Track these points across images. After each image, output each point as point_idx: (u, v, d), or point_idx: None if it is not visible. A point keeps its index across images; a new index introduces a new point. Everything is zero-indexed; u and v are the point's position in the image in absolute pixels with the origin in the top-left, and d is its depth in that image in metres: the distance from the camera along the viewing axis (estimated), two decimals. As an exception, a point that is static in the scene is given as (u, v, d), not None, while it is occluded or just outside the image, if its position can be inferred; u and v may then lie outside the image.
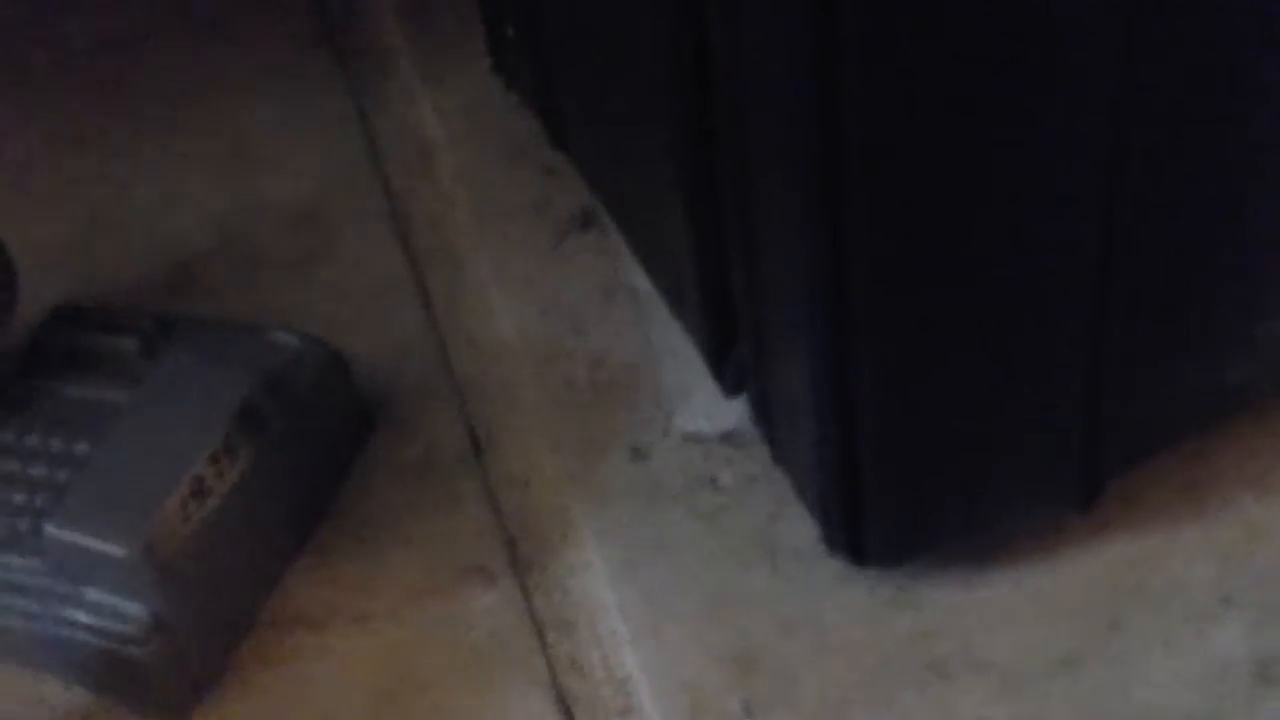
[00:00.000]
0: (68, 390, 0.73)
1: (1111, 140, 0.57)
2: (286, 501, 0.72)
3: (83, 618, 0.66)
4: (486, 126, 0.89)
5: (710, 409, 0.75)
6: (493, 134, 0.88)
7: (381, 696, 0.69)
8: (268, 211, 0.86)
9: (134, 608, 0.66)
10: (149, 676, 0.67)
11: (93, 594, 0.66)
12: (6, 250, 0.73)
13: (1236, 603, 0.67)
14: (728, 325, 0.69)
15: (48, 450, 0.70)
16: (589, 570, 0.72)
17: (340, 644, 0.70)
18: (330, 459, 0.75)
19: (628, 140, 0.74)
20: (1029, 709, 0.66)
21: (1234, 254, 0.65)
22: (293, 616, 0.71)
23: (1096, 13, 0.53)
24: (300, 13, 0.97)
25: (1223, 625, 0.66)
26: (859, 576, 0.69)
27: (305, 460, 0.72)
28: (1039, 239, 0.59)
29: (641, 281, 0.80)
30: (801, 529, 0.70)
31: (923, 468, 0.65)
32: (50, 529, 0.66)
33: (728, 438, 0.75)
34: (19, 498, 0.69)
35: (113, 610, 0.66)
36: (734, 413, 0.74)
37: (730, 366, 0.71)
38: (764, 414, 0.70)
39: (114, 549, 0.65)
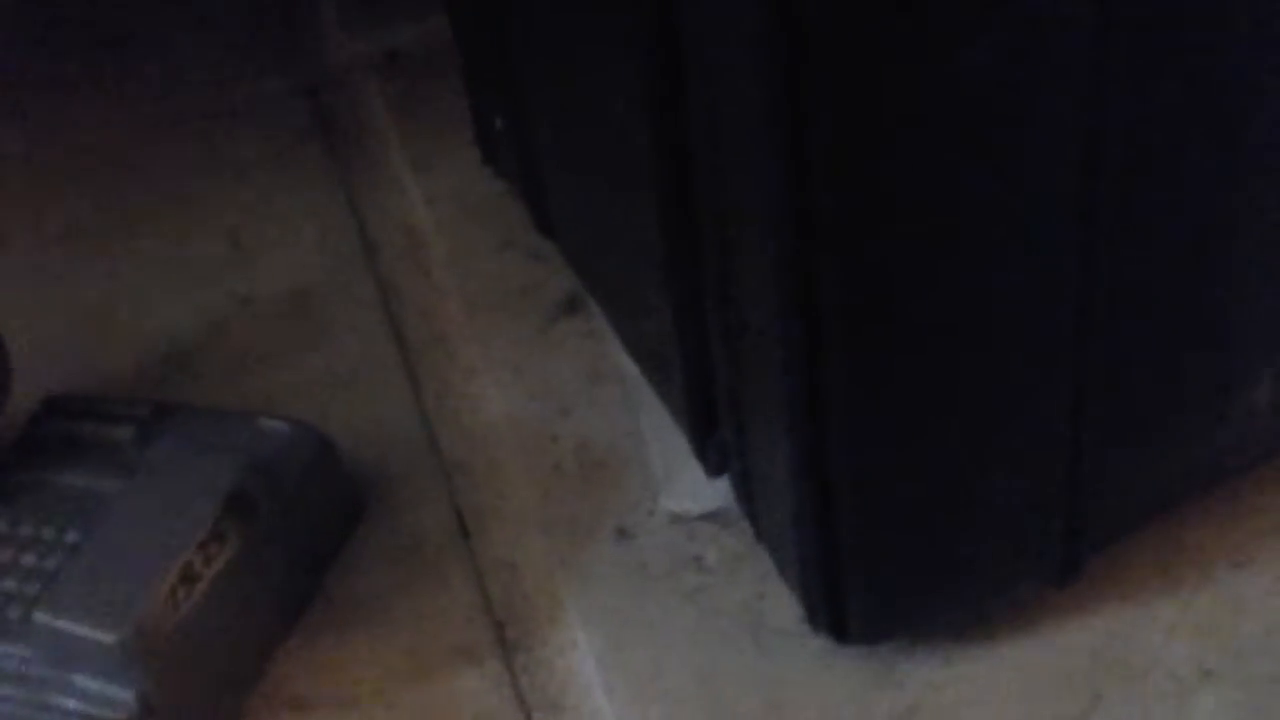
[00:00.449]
0: (61, 479, 0.74)
1: (1082, 216, 0.58)
2: (275, 586, 0.72)
3: (72, 704, 0.67)
4: (475, 213, 0.90)
5: (695, 489, 0.76)
6: (481, 221, 0.90)
7: (370, 779, 0.70)
8: (259, 300, 0.88)
9: (123, 694, 0.66)
10: (139, 762, 0.67)
11: (82, 680, 0.67)
12: (2, 342, 0.74)
13: (1217, 676, 0.67)
14: (710, 407, 0.70)
15: (40, 539, 0.71)
16: (575, 651, 0.72)
17: (329, 727, 0.71)
18: (319, 543, 0.75)
19: (612, 227, 0.75)
20: (1013, 784, 0.66)
21: (1209, 327, 0.65)
22: (281, 699, 0.71)
23: (1063, 86, 0.55)
24: (290, 103, 0.98)
25: (1204, 699, 0.67)
26: (843, 654, 0.69)
27: (294, 545, 0.73)
28: (1013, 319, 0.60)
29: (627, 365, 0.81)
30: (786, 607, 0.71)
31: (903, 547, 0.65)
32: (39, 616, 0.67)
33: (713, 517, 0.75)
34: (10, 585, 0.70)
35: (102, 697, 0.67)
36: (719, 492, 0.75)
37: (713, 447, 0.72)
38: (746, 494, 0.71)
39: (102, 635, 0.65)
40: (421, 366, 0.84)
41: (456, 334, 0.85)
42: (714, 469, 0.73)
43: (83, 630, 0.66)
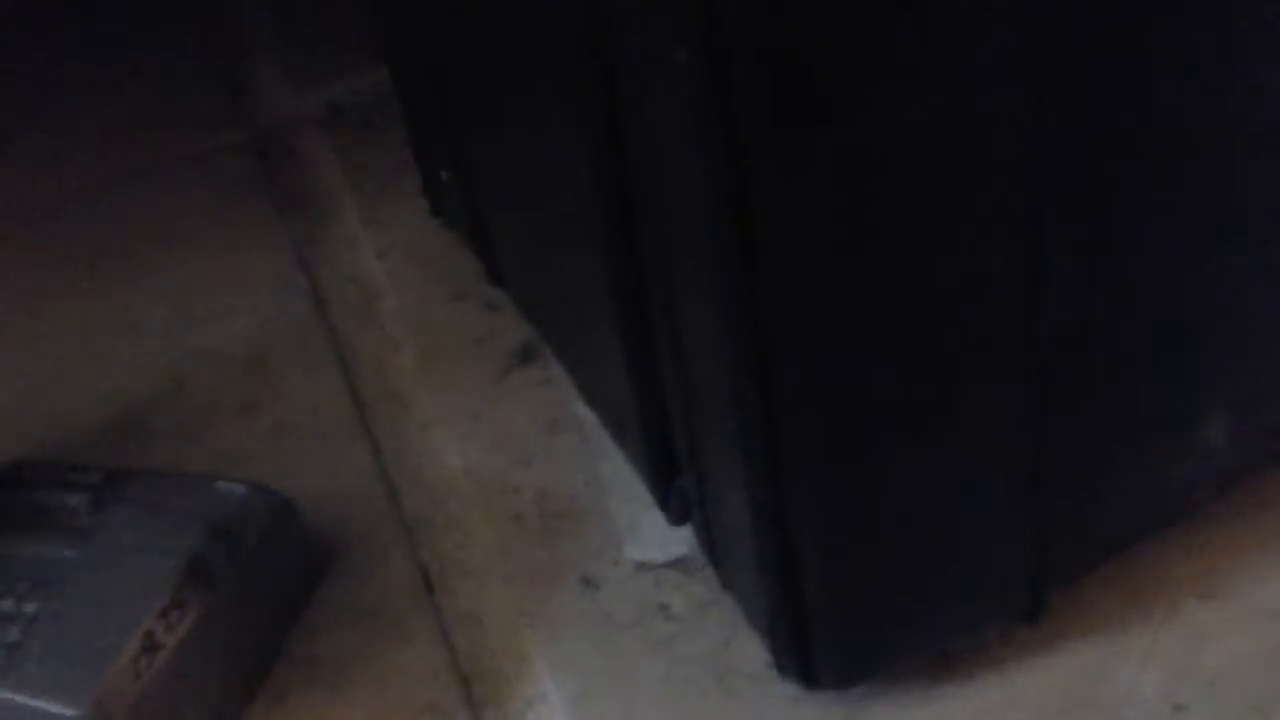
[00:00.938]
0: (15, 549, 0.72)
1: (1034, 262, 0.58)
2: (238, 650, 0.71)
3: (37, 780, 0.66)
4: (426, 265, 0.90)
5: (660, 537, 0.76)
6: (433, 272, 0.90)
7: (340, 844, 0.69)
8: (212, 360, 0.87)
9: (87, 768, 0.66)
10: (104, 836, 0.66)
11: (44, 756, 0.66)
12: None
13: (1189, 709, 0.67)
14: (670, 456, 0.70)
15: (-3, 611, 0.70)
16: (544, 703, 0.71)
17: (297, 792, 0.70)
18: (281, 605, 0.74)
19: (562, 278, 0.75)
20: (988, 825, 0.66)
21: (1166, 364, 0.66)
22: (248, 767, 0.71)
23: (1008, 118, 0.55)
24: (235, 159, 0.98)
25: (1176, 731, 0.67)
26: (812, 698, 0.69)
27: (256, 608, 0.72)
28: (971, 362, 0.60)
29: (585, 412, 0.81)
30: (754, 653, 0.71)
31: (867, 591, 0.65)
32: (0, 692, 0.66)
33: (678, 564, 0.75)
34: (-32, 660, 0.69)
35: (66, 771, 0.66)
36: (683, 539, 0.75)
37: (674, 496, 0.72)
38: (709, 542, 0.71)
39: (65, 710, 0.64)
40: (377, 421, 0.84)
41: (412, 387, 0.85)
42: (676, 517, 0.73)
43: (43, 704, 0.65)
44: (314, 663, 0.74)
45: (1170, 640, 0.69)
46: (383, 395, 0.85)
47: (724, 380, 0.60)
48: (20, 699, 0.65)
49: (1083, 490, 0.66)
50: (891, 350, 0.59)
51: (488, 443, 0.82)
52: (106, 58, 1.05)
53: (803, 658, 0.67)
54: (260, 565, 0.72)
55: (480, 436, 0.82)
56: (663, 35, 0.53)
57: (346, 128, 0.99)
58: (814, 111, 0.52)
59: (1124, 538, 0.70)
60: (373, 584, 0.76)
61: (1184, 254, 0.63)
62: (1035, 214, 0.57)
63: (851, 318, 0.57)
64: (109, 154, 0.99)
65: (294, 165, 0.98)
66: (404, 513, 0.79)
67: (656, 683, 0.71)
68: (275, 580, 0.74)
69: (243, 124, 1.01)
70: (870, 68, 0.52)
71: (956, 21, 0.52)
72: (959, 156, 0.55)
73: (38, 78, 1.04)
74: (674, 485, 0.71)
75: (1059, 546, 0.67)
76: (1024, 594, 0.67)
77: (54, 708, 0.65)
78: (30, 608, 0.70)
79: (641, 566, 0.75)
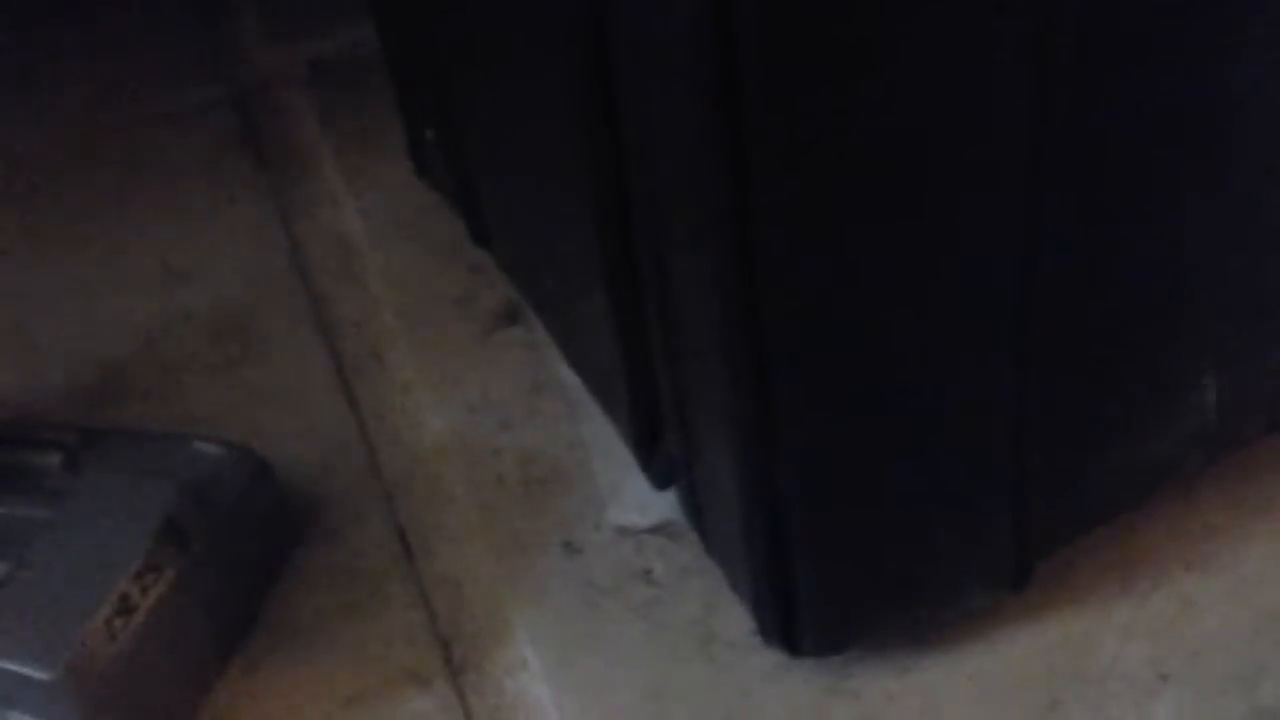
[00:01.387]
0: (-11, 509, 0.72)
1: (1027, 218, 0.58)
2: (214, 613, 0.71)
3: (7, 743, 0.65)
4: (409, 225, 0.89)
5: (642, 501, 0.75)
6: (416, 232, 0.88)
7: (317, 809, 0.68)
8: (190, 318, 0.86)
9: (60, 730, 0.65)
10: (77, 800, 0.65)
11: (17, 718, 0.65)
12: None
13: (1174, 678, 0.67)
14: (654, 419, 0.69)
15: (-31, 572, 0.69)
16: (524, 669, 0.71)
17: (273, 757, 0.69)
18: (258, 567, 0.74)
19: (550, 238, 0.74)
20: (971, 794, 0.65)
21: (1155, 330, 0.65)
22: (224, 730, 0.70)
23: (1010, 84, 0.54)
24: (218, 115, 0.97)
25: (1162, 702, 0.66)
26: (796, 666, 0.69)
27: (232, 570, 0.71)
28: (957, 327, 0.59)
29: (569, 375, 0.80)
30: (737, 619, 0.70)
31: (854, 557, 0.65)
32: (-29, 654, 0.65)
33: (660, 530, 0.74)
34: (-60, 621, 0.68)
35: (39, 734, 0.65)
36: (666, 504, 0.74)
37: (658, 460, 0.71)
38: (694, 507, 0.70)
39: (37, 672, 0.64)
40: (358, 382, 0.83)
41: (393, 348, 0.84)
42: (660, 482, 0.72)
43: (17, 667, 0.64)
44: (291, 626, 0.73)
45: (1156, 610, 0.69)
46: (363, 356, 0.84)
47: (714, 340, 0.59)
48: (-7, 661, 0.65)
49: (1069, 459, 0.66)
50: (882, 313, 0.58)
51: (469, 405, 0.81)
52: (85, 13, 1.04)
53: (786, 624, 0.66)
54: (237, 527, 0.71)
55: (462, 398, 0.81)
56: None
57: (330, 85, 0.98)
58: (814, 57, 0.51)
59: (1110, 507, 0.70)
60: (351, 547, 0.76)
61: (1176, 220, 0.62)
62: (1032, 175, 0.56)
63: (844, 277, 0.56)
64: (87, 110, 0.98)
65: (276, 123, 0.96)
66: (383, 475, 0.78)
67: (637, 649, 0.71)
68: (252, 542, 0.73)
69: (223, 80, 0.99)
70: (871, 12, 0.51)
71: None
72: (956, 111, 0.54)
73: (15, 35, 1.02)
74: (658, 449, 0.70)
75: (1045, 515, 0.66)
76: (1009, 563, 0.67)
77: (26, 670, 0.64)
78: (2, 569, 0.69)
79: (623, 531, 0.75)
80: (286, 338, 0.85)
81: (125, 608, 0.66)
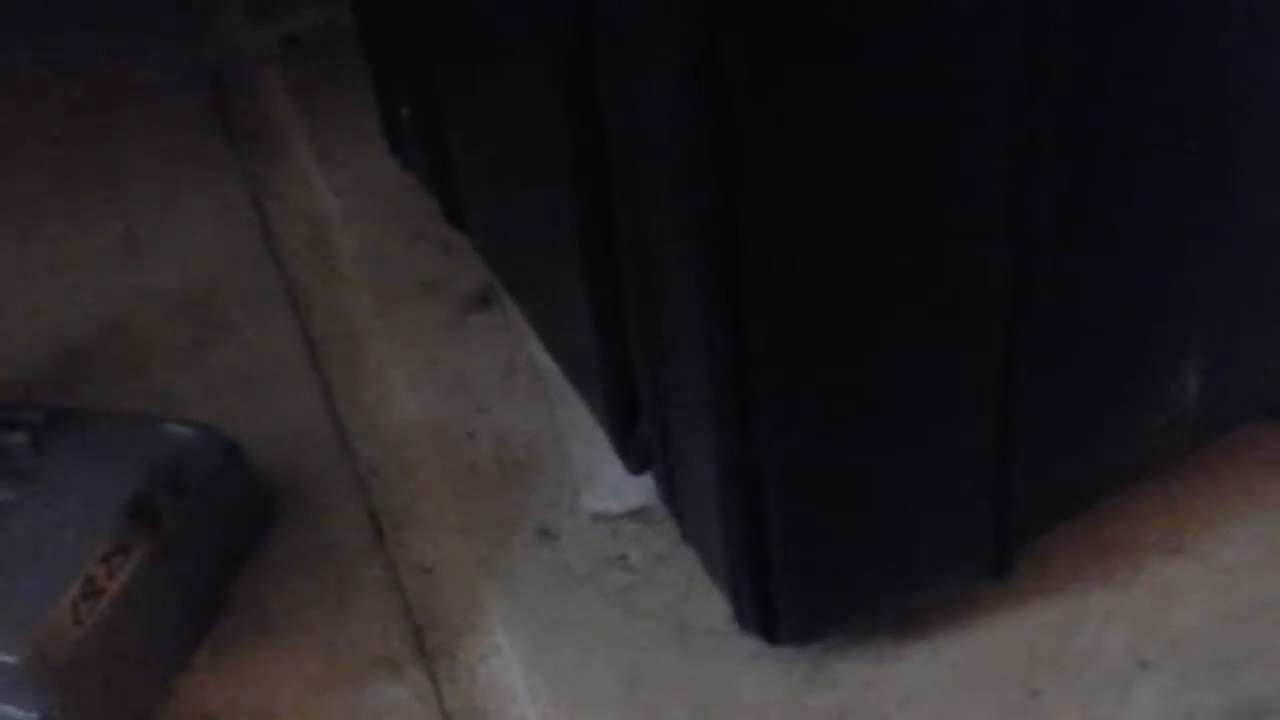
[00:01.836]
0: (-48, 490, 0.71)
1: (1016, 205, 0.57)
2: (183, 597, 0.70)
3: (-28, 728, 0.64)
4: (383, 205, 0.88)
5: (618, 487, 0.74)
6: (389, 213, 0.88)
7: (287, 797, 0.67)
8: (159, 298, 0.85)
9: (26, 715, 0.64)
10: (43, 786, 0.65)
11: (-18, 702, 0.64)
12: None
13: (1154, 666, 0.66)
14: (631, 403, 0.68)
15: (-68, 554, 0.68)
16: (498, 656, 0.70)
17: (243, 743, 0.68)
18: (227, 551, 0.73)
19: (527, 221, 0.73)
20: (950, 783, 0.65)
21: (1137, 320, 0.65)
22: (192, 715, 0.69)
23: (999, 61, 0.53)
24: (189, 93, 0.96)
25: (1142, 689, 0.66)
26: (773, 653, 0.68)
27: (201, 554, 0.70)
28: (941, 314, 0.59)
29: (544, 358, 0.79)
30: (713, 606, 0.69)
31: (832, 544, 0.64)
32: (-65, 638, 0.64)
33: (636, 515, 0.74)
34: (-96, 604, 0.67)
35: (4, 718, 0.64)
36: (642, 489, 0.73)
37: (635, 444, 0.70)
38: (671, 492, 0.69)
39: (2, 655, 0.63)
40: (330, 364, 0.82)
41: (366, 330, 0.83)
42: (636, 467, 0.71)
43: (-19, 650, 0.63)
44: (261, 611, 0.72)
45: (1136, 597, 0.69)
46: (335, 337, 0.83)
47: (692, 325, 0.58)
48: (-44, 645, 0.64)
49: (1050, 446, 0.65)
50: (864, 301, 0.57)
51: (443, 388, 0.80)
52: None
53: (764, 612, 0.66)
54: (206, 510, 0.70)
55: (436, 381, 0.80)
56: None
57: (303, 63, 0.96)
58: (801, 39, 0.50)
59: (1091, 493, 0.69)
60: (323, 531, 0.75)
61: (1161, 206, 0.62)
62: (1018, 171, 0.55)
63: (825, 265, 0.56)
64: (57, 84, 0.97)
65: (248, 100, 0.95)
66: (356, 459, 0.78)
67: (613, 636, 0.70)
68: (221, 525, 0.72)
69: (196, 56, 0.98)
70: (860, 8, 0.50)
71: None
72: (946, 98, 0.53)
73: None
74: (635, 433, 0.70)
75: (1025, 502, 0.66)
76: (990, 550, 0.66)
77: (-8, 654, 0.63)
78: (-32, 551, 0.68)
79: (599, 517, 0.74)
80: (257, 318, 0.84)
81: (92, 590, 0.65)
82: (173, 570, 0.68)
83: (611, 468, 0.73)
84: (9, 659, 0.63)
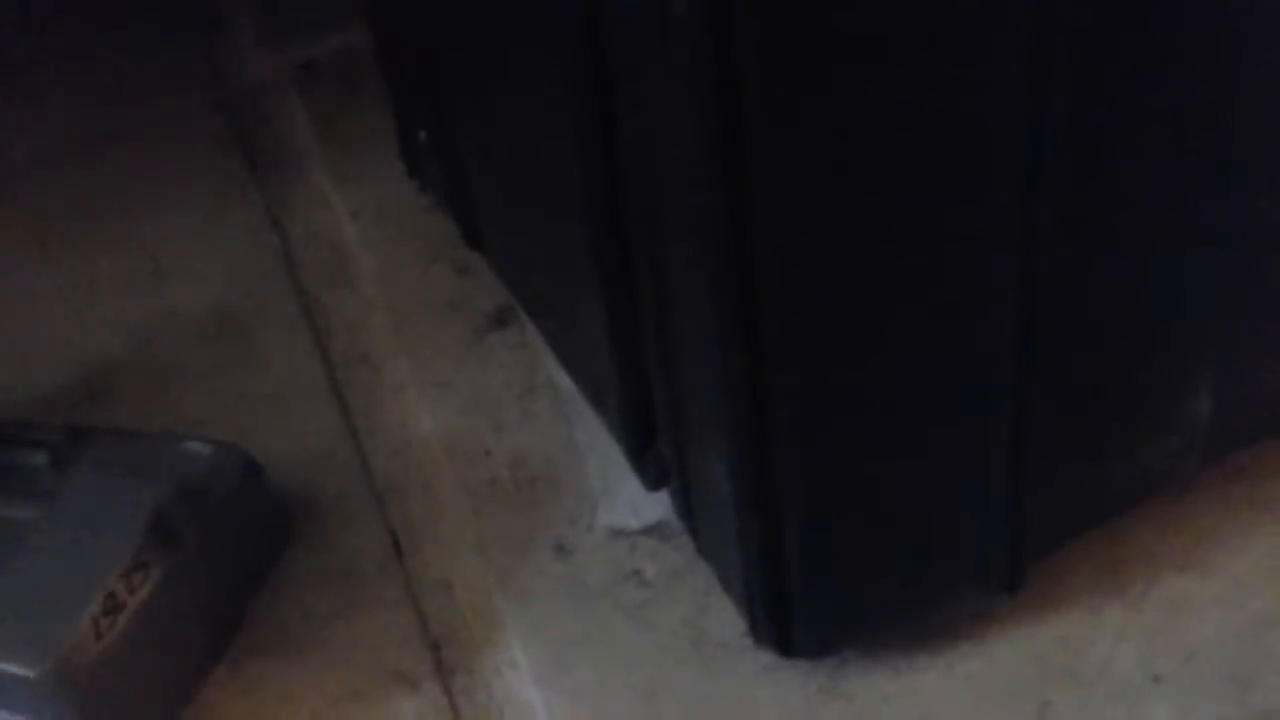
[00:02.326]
0: (-25, 508, 0.71)
1: (1024, 229, 0.57)
2: (202, 613, 0.70)
3: (-6, 741, 0.65)
4: (401, 227, 0.89)
5: (634, 503, 0.74)
6: (407, 234, 0.88)
7: (305, 811, 0.68)
8: (180, 320, 0.86)
9: (47, 730, 0.65)
10: (64, 800, 0.65)
11: (5, 716, 0.65)
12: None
13: (1167, 680, 0.67)
14: (647, 420, 0.69)
15: (-44, 570, 0.69)
16: (515, 671, 0.70)
17: (262, 758, 0.69)
18: (247, 568, 0.73)
19: (543, 240, 0.73)
20: (964, 797, 0.65)
21: (1155, 335, 0.65)
22: (212, 731, 0.70)
23: (1004, 64, 0.54)
24: (208, 117, 0.96)
25: (1154, 703, 0.66)
26: (789, 667, 0.68)
27: (221, 570, 0.71)
28: (955, 333, 0.59)
29: (561, 377, 0.80)
30: (729, 620, 0.70)
31: (847, 560, 0.64)
32: (-42, 652, 0.64)
33: (652, 531, 0.74)
34: (-73, 620, 0.67)
35: (26, 733, 0.65)
36: (658, 505, 0.73)
37: (651, 461, 0.70)
38: (687, 508, 0.70)
39: (24, 670, 0.63)
40: (349, 383, 0.82)
41: (384, 350, 0.84)
42: (653, 483, 0.72)
43: (4, 665, 0.64)
44: (279, 627, 0.72)
45: (1149, 612, 0.69)
46: (354, 357, 0.83)
47: (709, 342, 0.58)
48: (-21, 660, 0.64)
49: (1064, 463, 0.66)
50: (880, 317, 0.58)
51: (460, 406, 0.80)
52: (80, 15, 1.03)
53: (779, 626, 0.66)
54: (226, 526, 0.71)
55: (453, 400, 0.81)
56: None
57: (321, 86, 0.97)
58: (812, 59, 0.51)
59: (1104, 510, 0.70)
60: (341, 548, 0.75)
61: (1174, 228, 0.62)
62: (1030, 179, 0.56)
63: (840, 280, 0.56)
64: (80, 112, 0.98)
65: (267, 125, 0.96)
66: (374, 476, 0.78)
67: (629, 650, 0.70)
68: (241, 542, 0.73)
69: (216, 82, 0.99)
70: (864, 26, 0.51)
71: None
72: (954, 114, 0.53)
73: (8, 37, 1.02)
74: (651, 450, 0.70)
75: (1039, 519, 0.66)
76: (1003, 566, 0.67)
77: (13, 668, 0.64)
78: (-9, 568, 0.68)
79: (615, 533, 0.74)
80: (277, 339, 0.84)
81: (113, 606, 0.65)
82: (192, 586, 0.69)
83: (628, 484, 0.74)
84: (31, 674, 0.63)
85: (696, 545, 0.71)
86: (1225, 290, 0.65)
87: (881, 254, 0.56)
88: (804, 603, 0.65)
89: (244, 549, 0.73)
